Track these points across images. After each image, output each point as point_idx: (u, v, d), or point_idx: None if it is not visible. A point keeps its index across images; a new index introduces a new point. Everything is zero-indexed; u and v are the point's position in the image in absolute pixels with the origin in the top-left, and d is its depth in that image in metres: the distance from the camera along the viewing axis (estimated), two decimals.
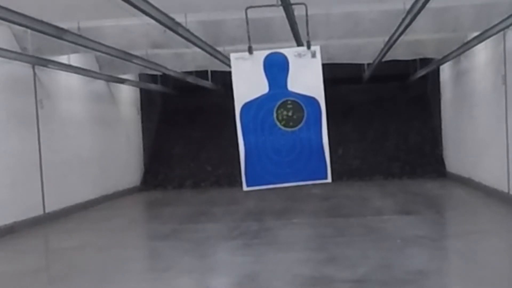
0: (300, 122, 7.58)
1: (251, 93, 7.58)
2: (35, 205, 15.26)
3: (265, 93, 7.55)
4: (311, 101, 7.53)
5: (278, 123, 7.60)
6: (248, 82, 7.60)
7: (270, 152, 7.73)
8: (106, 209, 18.20)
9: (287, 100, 7.56)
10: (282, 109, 7.57)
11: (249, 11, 7.56)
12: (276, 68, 7.56)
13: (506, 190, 15.13)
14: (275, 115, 7.58)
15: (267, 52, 7.59)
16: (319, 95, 7.54)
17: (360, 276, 8.73)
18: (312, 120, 7.58)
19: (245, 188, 7.99)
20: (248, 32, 7.53)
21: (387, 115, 23.89)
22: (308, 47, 7.53)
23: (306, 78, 7.55)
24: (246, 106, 7.59)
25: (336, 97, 24.02)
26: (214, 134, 23.54)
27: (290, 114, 7.57)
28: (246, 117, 7.63)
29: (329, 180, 7.78)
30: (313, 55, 7.50)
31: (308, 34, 7.62)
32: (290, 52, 7.61)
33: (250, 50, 7.54)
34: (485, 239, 11.44)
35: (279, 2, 8.40)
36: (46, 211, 15.66)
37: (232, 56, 7.68)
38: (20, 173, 14.66)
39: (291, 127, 7.60)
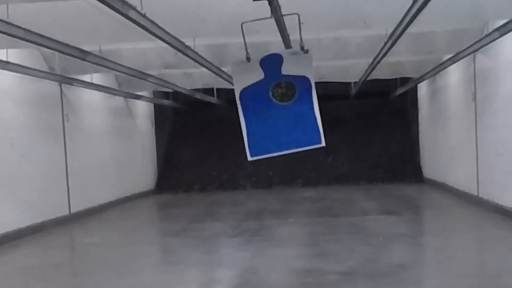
0: (293, 97, 7.56)
1: (248, 81, 7.57)
2: (62, 206, 15.25)
3: (261, 79, 7.55)
4: (302, 79, 7.52)
5: (274, 99, 7.58)
6: (245, 74, 7.58)
7: (268, 124, 7.66)
8: (124, 209, 18.18)
9: (281, 82, 7.55)
10: (277, 88, 7.56)
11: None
12: (271, 62, 7.55)
13: (475, 193, 15.11)
14: (270, 93, 7.57)
15: (264, 55, 7.61)
16: (309, 73, 7.55)
17: (347, 269, 8.71)
18: (304, 94, 7.57)
19: (249, 158, 7.76)
20: (245, 45, 7.37)
21: (371, 127, 23.87)
22: (301, 48, 7.48)
23: (299, 66, 7.54)
24: (245, 90, 7.59)
25: (326, 112, 23.86)
26: (219, 143, 23.53)
27: (284, 91, 7.57)
28: (245, 99, 7.61)
29: (323, 144, 7.73)
30: (306, 51, 7.48)
31: (301, 40, 7.44)
32: (285, 52, 7.75)
33: (248, 60, 7.48)
34: (458, 236, 11.43)
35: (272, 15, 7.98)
36: (71, 211, 15.65)
37: (232, 63, 7.91)
38: (48, 178, 14.66)
39: (286, 101, 7.58)
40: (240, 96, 7.60)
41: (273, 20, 8.22)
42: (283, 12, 8.06)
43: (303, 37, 7.40)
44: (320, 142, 7.71)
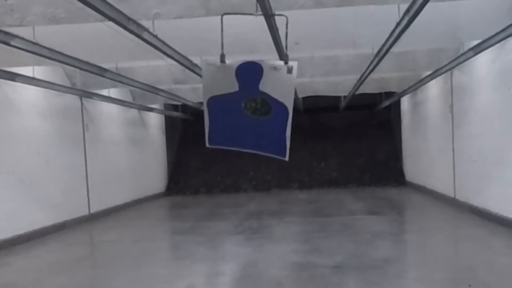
0: (267, 114, 6.13)
1: (220, 90, 6.12)
2: (82, 207, 15.26)
3: (235, 91, 6.09)
4: (280, 104, 6.09)
5: (245, 110, 6.18)
6: (217, 81, 6.11)
7: (234, 125, 6.28)
8: (137, 210, 18.17)
9: (256, 97, 6.09)
10: (251, 102, 6.12)
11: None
12: (249, 74, 6.05)
13: (452, 195, 15.11)
14: (243, 105, 6.15)
15: (241, 60, 6.10)
16: (289, 103, 6.11)
17: (337, 263, 8.71)
18: (279, 118, 6.15)
19: (207, 145, 6.48)
20: (222, 41, 5.96)
21: (359, 136, 23.89)
22: (286, 62, 5.98)
23: (279, 87, 6.05)
24: (214, 98, 6.16)
25: (319, 122, 24.13)
26: (223, 151, 23.38)
27: (258, 106, 6.12)
28: (213, 104, 6.18)
29: (287, 159, 6.34)
30: (289, 70, 5.99)
31: (286, 47, 6.11)
32: (266, 63, 6.05)
33: (222, 58, 6.02)
34: (436, 233, 11.43)
35: (259, 11, 6.65)
36: (91, 211, 15.65)
37: (204, 61, 6.22)
38: (70, 181, 14.68)
39: (258, 115, 6.16)
40: (208, 102, 6.16)
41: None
42: (282, 35, 7.87)
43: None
44: (284, 156, 6.42)
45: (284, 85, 6.06)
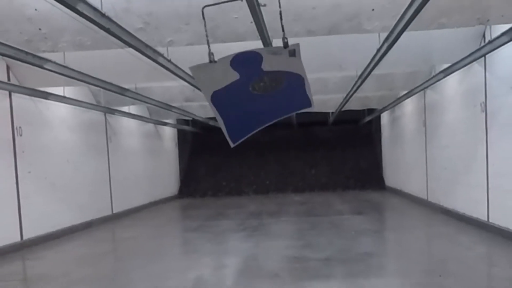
0: (280, 85, 4.63)
1: (220, 84, 4.55)
2: (106, 207, 15.25)
3: (236, 79, 4.49)
4: (292, 73, 4.57)
5: (255, 92, 4.62)
6: (213, 77, 4.52)
7: (248, 109, 4.84)
8: (153, 211, 18.14)
9: (263, 77, 4.53)
10: (258, 83, 4.56)
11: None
12: (247, 62, 4.39)
13: (425, 198, 15.10)
14: (250, 88, 4.60)
15: (233, 53, 4.38)
16: (302, 72, 4.59)
17: (327, 256, 8.69)
18: (294, 81, 4.65)
19: (232, 145, 5.06)
20: (206, 35, 4.44)
21: (345, 147, 23.90)
22: (285, 46, 4.32)
23: (283, 63, 4.44)
24: (216, 93, 4.62)
25: (310, 135, 24.15)
26: (228, 160, 23.53)
27: (267, 84, 4.58)
28: (218, 99, 4.65)
29: (313, 106, 4.95)
30: (292, 54, 4.34)
31: (283, 30, 4.35)
32: (264, 50, 4.53)
33: (211, 58, 4.36)
34: (412, 231, 11.41)
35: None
36: (114, 212, 15.64)
37: (191, 68, 4.50)
38: (96, 185, 14.67)
39: (270, 91, 4.65)
40: (212, 98, 4.65)
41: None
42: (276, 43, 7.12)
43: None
44: (310, 105, 4.95)
45: (289, 62, 4.47)
